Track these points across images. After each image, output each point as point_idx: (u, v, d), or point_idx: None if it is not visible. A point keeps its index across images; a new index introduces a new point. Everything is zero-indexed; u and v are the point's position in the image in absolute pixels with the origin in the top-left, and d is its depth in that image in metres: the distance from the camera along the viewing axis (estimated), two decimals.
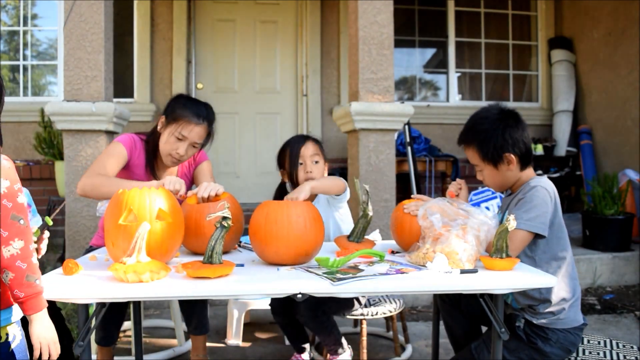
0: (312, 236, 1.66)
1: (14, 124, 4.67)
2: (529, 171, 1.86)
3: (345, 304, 2.28)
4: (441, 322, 2.15)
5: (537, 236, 1.71)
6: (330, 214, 2.31)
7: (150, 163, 2.25)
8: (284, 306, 2.35)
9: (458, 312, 2.04)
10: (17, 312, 1.38)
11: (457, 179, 1.99)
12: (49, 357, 1.31)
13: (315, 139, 2.36)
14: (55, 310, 1.76)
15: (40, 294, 1.28)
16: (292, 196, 1.92)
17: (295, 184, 2.29)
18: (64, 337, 1.72)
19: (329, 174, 2.40)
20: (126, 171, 2.22)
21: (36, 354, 1.29)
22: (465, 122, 1.92)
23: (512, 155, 1.79)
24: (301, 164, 2.27)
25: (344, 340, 2.30)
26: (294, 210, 1.66)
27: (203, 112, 2.18)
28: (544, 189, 1.74)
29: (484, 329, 2.01)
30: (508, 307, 1.82)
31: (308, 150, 2.27)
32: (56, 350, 1.32)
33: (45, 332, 1.29)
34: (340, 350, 2.27)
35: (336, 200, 2.27)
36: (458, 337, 2.07)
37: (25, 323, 1.56)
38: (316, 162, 2.27)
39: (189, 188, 2.27)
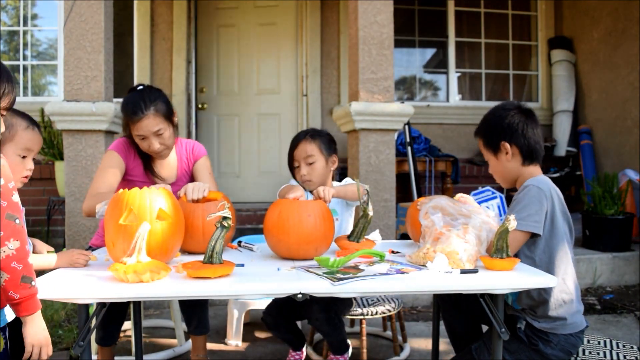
0: (321, 233, 1.75)
1: None
2: (534, 169, 1.83)
3: (348, 302, 2.29)
4: (441, 322, 2.15)
5: (535, 236, 1.71)
6: (344, 213, 2.30)
7: (147, 162, 2.24)
8: (279, 307, 2.28)
9: (459, 311, 2.03)
10: (4, 317, 1.35)
11: (459, 194, 1.96)
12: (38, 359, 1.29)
13: (315, 135, 2.25)
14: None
15: (35, 295, 1.25)
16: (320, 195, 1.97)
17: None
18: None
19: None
20: (125, 177, 2.22)
21: (26, 355, 1.27)
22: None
23: (509, 145, 1.80)
24: (297, 167, 2.24)
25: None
26: (304, 209, 1.76)
27: (140, 105, 2.08)
28: (536, 187, 1.72)
29: (484, 328, 2.01)
30: (509, 308, 1.82)
31: (300, 153, 2.21)
32: (48, 352, 1.29)
33: (38, 334, 1.27)
34: (345, 349, 2.28)
35: (355, 202, 2.25)
36: (459, 337, 2.07)
37: (12, 326, 1.56)
38: (311, 163, 2.19)
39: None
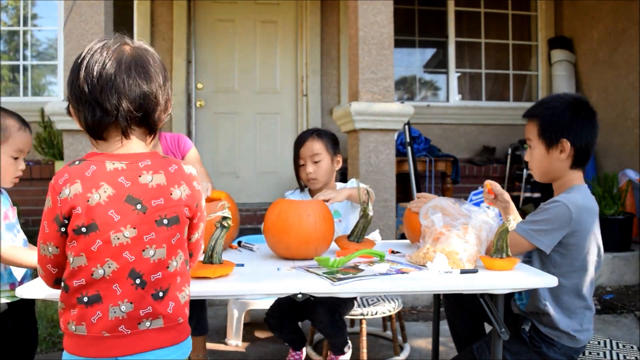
0: (321, 233, 1.74)
1: None
2: (577, 175, 1.74)
3: (351, 304, 2.29)
4: (442, 322, 2.15)
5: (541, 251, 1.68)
6: (348, 214, 2.31)
7: None
8: (283, 308, 2.29)
9: (463, 310, 2.03)
10: None
11: (488, 181, 1.89)
12: None
13: (321, 134, 2.27)
14: (30, 309, 1.75)
15: None
16: (325, 197, 1.96)
17: (299, 183, 2.31)
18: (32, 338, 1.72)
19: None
20: None
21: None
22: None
23: (568, 144, 1.68)
24: (302, 165, 2.25)
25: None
26: (304, 209, 1.74)
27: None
28: (565, 206, 1.63)
29: (487, 328, 2.00)
30: (516, 307, 1.81)
31: (307, 150, 2.23)
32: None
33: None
34: (345, 349, 2.28)
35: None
36: (462, 336, 2.06)
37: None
38: (317, 161, 2.22)
39: None
